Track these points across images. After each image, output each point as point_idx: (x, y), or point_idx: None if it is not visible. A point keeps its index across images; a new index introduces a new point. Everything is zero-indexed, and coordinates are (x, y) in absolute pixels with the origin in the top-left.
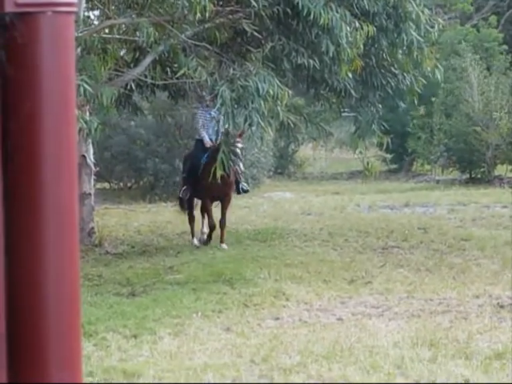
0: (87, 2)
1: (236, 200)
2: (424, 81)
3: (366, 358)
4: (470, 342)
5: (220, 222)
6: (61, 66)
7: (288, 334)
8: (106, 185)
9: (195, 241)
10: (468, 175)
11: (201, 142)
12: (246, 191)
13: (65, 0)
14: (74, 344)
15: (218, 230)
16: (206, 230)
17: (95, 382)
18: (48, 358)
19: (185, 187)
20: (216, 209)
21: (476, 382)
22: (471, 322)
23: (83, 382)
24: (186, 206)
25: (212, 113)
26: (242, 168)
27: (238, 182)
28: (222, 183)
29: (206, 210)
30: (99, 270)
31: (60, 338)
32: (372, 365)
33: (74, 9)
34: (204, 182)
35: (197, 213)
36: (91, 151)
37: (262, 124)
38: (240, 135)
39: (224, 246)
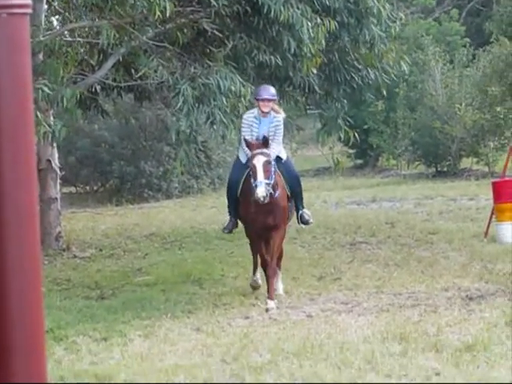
0: (48, 7)
1: (203, 201)
2: (387, 75)
3: (337, 354)
4: (439, 334)
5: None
6: (17, 67)
7: (258, 333)
8: (72, 189)
9: (258, 276)
10: (434, 169)
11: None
12: (306, 222)
13: (19, 2)
14: (38, 345)
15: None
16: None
17: None
18: (13, 358)
19: (228, 220)
20: None
21: (447, 374)
22: (440, 314)
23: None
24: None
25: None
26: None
27: (297, 209)
28: (267, 207)
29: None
30: (67, 274)
31: (24, 338)
32: (343, 361)
33: (29, 10)
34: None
35: None
36: (56, 155)
37: (225, 121)
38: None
39: (274, 303)
